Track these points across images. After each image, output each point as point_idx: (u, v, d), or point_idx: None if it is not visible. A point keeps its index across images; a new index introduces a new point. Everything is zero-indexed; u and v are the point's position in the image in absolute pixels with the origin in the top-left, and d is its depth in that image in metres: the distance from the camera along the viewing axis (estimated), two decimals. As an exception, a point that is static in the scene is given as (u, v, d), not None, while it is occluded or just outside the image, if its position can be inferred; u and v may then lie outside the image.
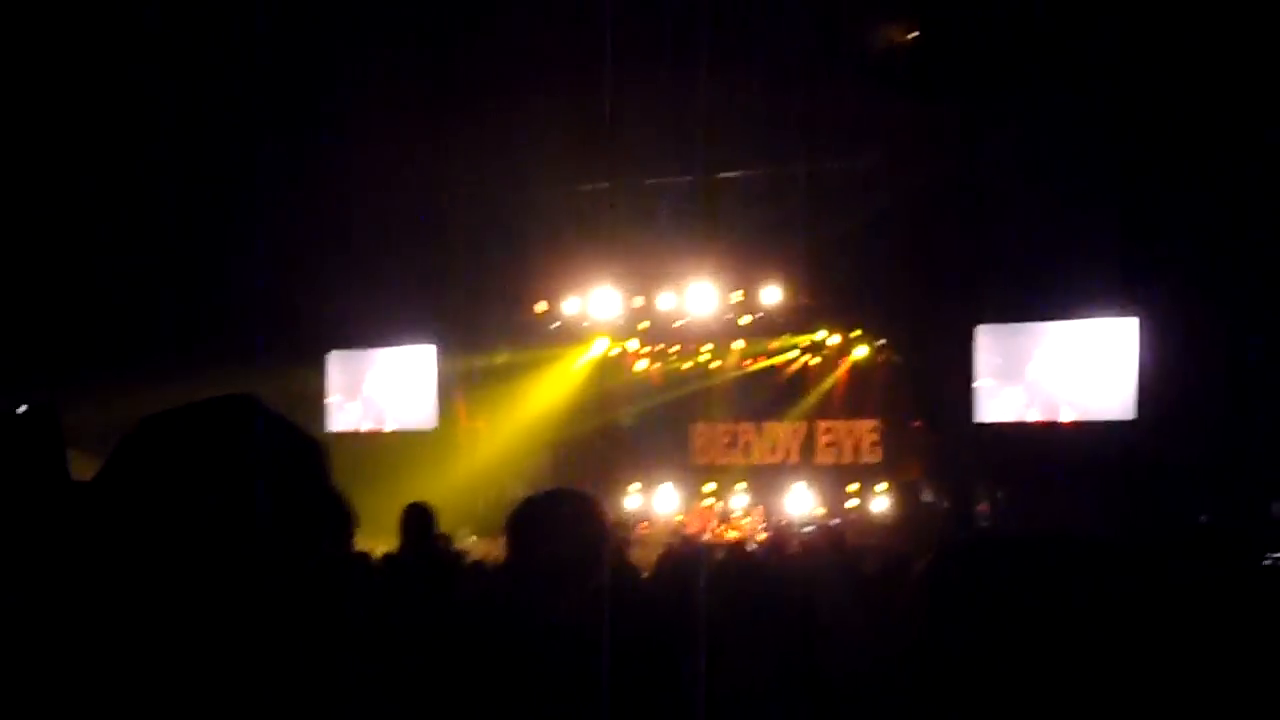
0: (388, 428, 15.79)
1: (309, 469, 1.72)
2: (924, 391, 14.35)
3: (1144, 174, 11.96)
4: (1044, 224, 12.40)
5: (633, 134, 11.30)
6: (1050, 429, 13.98)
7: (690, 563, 6.92)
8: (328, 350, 15.83)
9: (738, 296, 14.57)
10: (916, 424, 14.51)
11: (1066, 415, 14.02)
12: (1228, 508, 11.35)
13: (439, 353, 15.46)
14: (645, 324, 15.09)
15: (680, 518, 14.81)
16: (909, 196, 12.75)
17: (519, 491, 14.46)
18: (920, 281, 13.26)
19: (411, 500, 5.93)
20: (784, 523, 13.82)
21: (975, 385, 14.26)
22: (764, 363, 15.34)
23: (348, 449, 14.67)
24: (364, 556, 5.43)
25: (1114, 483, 11.66)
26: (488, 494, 13.24)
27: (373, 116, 12.31)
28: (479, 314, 14.86)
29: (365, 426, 15.84)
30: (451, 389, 15.55)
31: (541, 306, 14.97)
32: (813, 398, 15.26)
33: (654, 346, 15.41)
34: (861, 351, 14.96)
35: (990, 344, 14.35)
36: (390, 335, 15.41)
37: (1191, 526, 9.69)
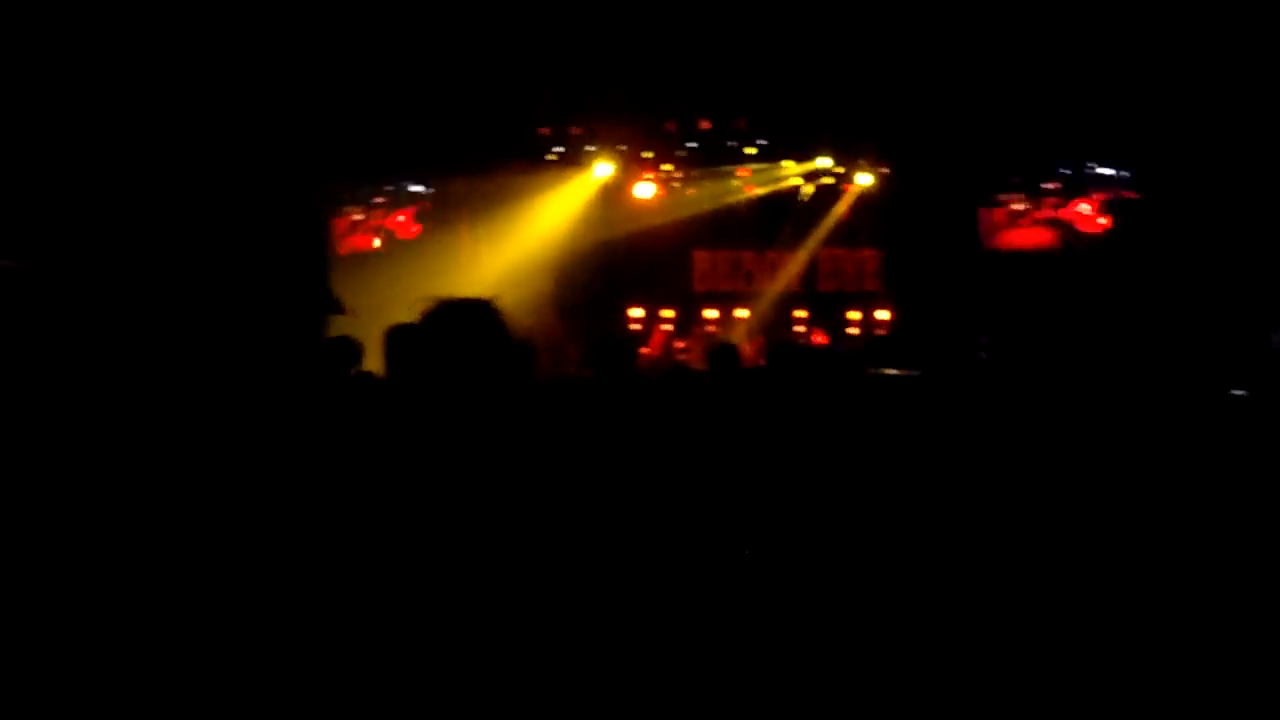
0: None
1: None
2: (929, 218, 14.40)
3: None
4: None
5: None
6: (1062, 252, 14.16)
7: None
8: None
9: (741, 123, 14.49)
10: (919, 252, 14.59)
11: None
12: (1226, 336, 11.47)
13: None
14: (649, 153, 15.04)
15: (681, 344, 14.99)
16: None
17: (521, 314, 14.62)
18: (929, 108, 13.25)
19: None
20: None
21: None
22: (767, 189, 15.30)
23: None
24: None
25: (1104, 311, 11.83)
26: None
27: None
28: (482, 136, 14.79)
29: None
30: (455, 208, 15.60)
31: (544, 129, 14.90)
32: (815, 226, 15.27)
33: (656, 171, 15.32)
34: (866, 179, 14.92)
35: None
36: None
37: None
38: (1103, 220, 14.50)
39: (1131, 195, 14.27)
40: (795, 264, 15.35)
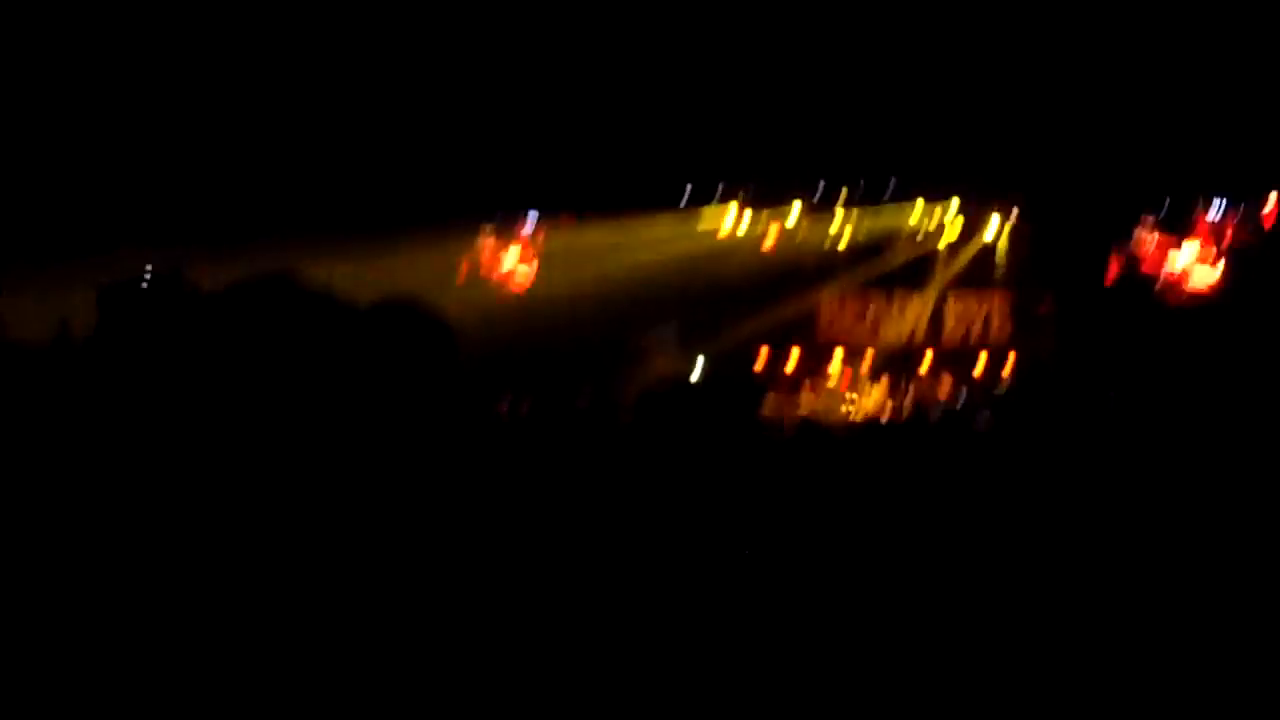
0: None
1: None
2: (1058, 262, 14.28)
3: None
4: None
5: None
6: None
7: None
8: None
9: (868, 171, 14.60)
10: (1047, 297, 14.46)
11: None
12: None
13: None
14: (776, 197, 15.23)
15: (808, 390, 15.04)
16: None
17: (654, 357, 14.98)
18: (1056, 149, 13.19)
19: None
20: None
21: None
22: (891, 234, 15.29)
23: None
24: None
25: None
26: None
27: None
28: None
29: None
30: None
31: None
32: (943, 269, 15.22)
33: (784, 217, 15.44)
34: (995, 220, 14.83)
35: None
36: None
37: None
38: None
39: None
40: (923, 309, 15.34)
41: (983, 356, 14.80)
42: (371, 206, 14.43)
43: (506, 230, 16.27)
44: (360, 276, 13.66)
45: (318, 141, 13.68)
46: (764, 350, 15.45)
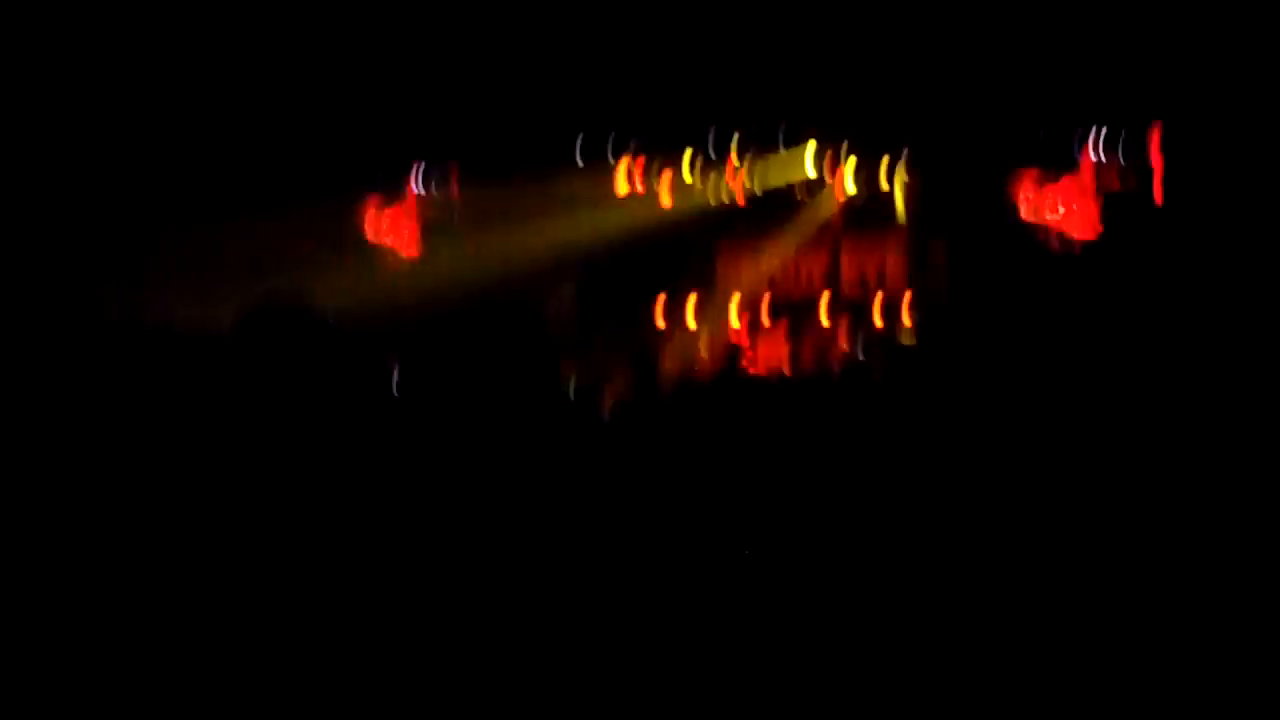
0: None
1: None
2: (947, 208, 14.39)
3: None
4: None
5: None
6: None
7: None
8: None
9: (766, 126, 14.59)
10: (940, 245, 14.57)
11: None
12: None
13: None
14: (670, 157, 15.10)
15: (705, 351, 15.05)
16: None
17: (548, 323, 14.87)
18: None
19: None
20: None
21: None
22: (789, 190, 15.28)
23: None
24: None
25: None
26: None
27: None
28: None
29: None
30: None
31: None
32: (840, 225, 15.25)
33: (680, 177, 15.37)
34: (886, 167, 14.87)
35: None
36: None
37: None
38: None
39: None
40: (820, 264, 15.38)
41: (879, 304, 14.88)
42: (240, 177, 14.07)
43: (390, 191, 15.92)
44: (236, 256, 13.47)
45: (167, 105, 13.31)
46: (661, 303, 15.40)
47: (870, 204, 14.97)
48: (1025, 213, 14.68)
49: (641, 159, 15.25)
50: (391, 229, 15.90)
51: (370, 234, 15.82)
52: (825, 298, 15.08)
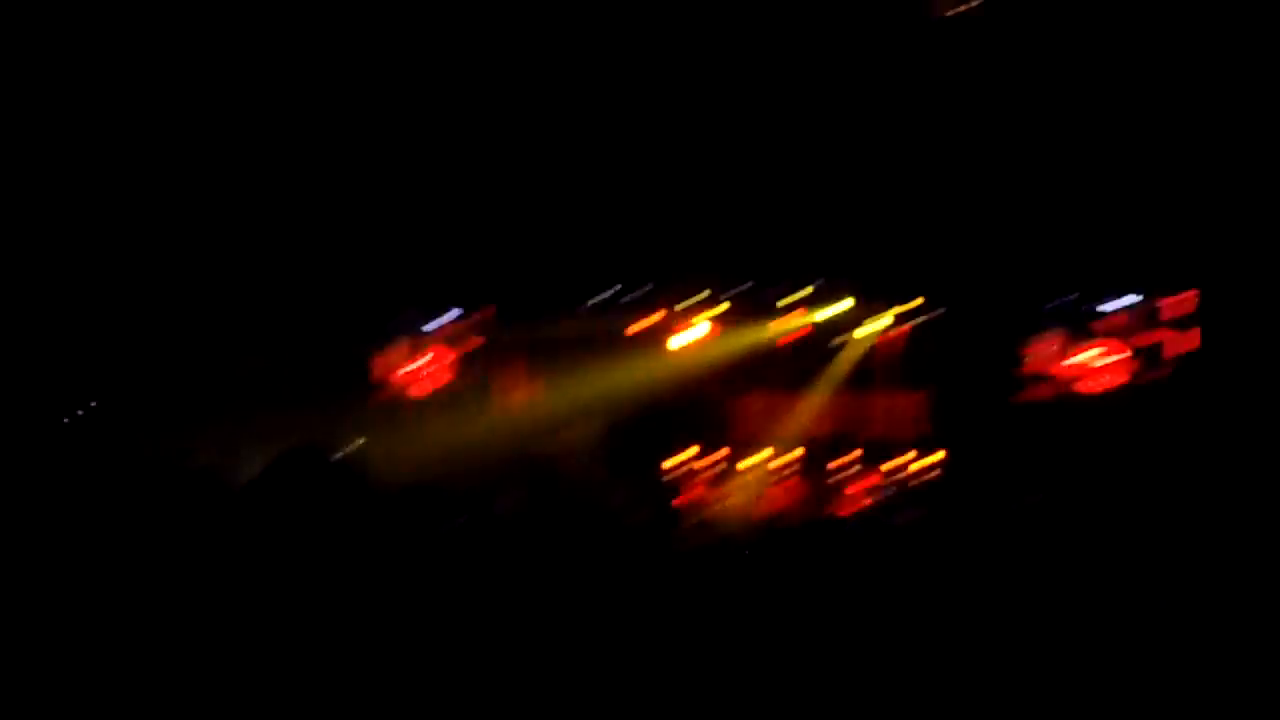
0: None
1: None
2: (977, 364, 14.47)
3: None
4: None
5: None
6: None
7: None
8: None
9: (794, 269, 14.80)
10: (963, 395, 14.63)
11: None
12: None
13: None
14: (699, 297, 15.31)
15: (728, 490, 15.06)
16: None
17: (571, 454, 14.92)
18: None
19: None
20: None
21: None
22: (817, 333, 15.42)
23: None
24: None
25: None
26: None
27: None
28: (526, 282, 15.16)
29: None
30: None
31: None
32: (868, 369, 15.35)
33: (707, 317, 15.55)
34: (906, 317, 15.04)
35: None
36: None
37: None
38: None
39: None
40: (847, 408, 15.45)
41: (899, 453, 14.92)
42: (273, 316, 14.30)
43: (422, 331, 16.13)
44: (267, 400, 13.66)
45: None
46: (680, 447, 15.49)
47: (902, 353, 15.09)
48: (1053, 367, 14.78)
49: (673, 303, 15.46)
50: (425, 372, 16.10)
51: (399, 377, 16.00)
52: (855, 444, 15.15)
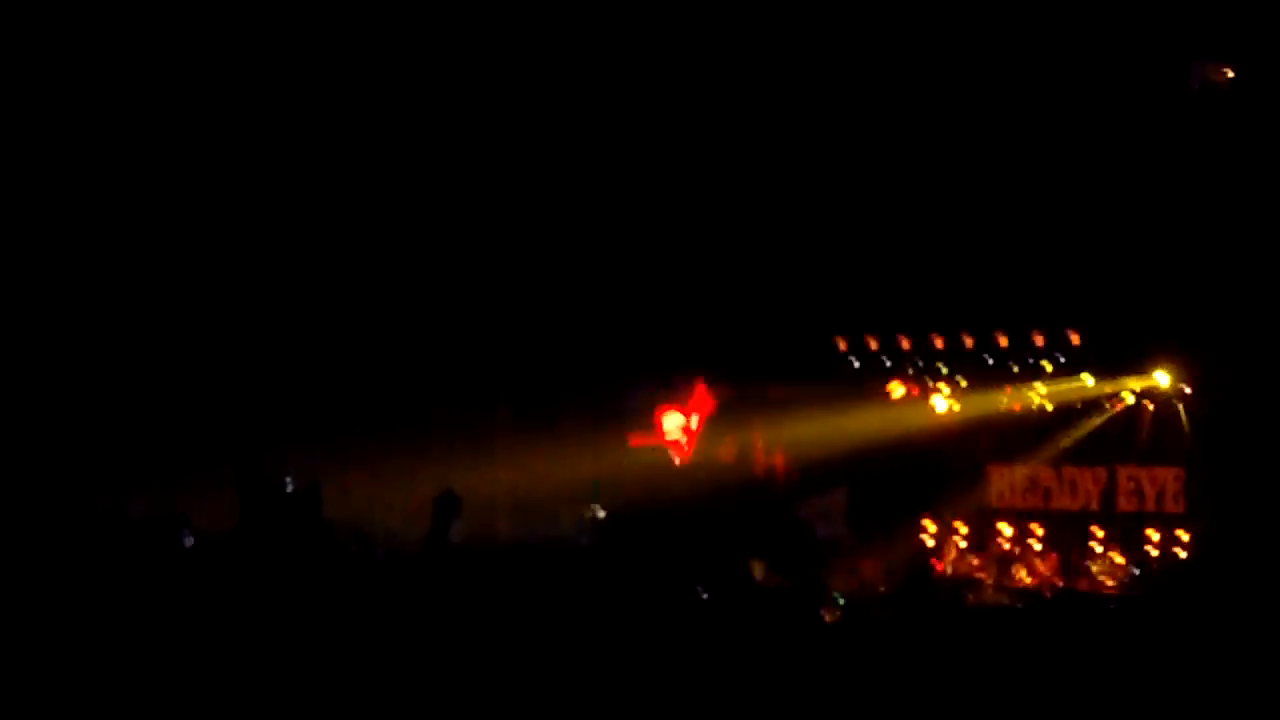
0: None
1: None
2: (1230, 438, 13.96)
3: None
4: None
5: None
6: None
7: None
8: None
9: (1039, 339, 14.61)
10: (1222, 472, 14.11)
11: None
12: None
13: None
14: (945, 367, 15.28)
15: (975, 560, 14.93)
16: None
17: (816, 525, 15.06)
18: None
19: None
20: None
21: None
22: (1062, 405, 15.16)
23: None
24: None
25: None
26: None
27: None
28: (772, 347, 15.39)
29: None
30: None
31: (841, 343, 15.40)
32: (1114, 443, 14.99)
33: (953, 387, 15.49)
34: (1163, 396, 14.62)
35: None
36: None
37: None
38: None
39: None
40: (1093, 482, 15.14)
41: (1155, 534, 14.50)
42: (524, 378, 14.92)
43: (670, 396, 16.51)
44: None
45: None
46: (925, 514, 15.45)
47: (1148, 423, 14.70)
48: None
49: (917, 375, 15.49)
50: (668, 431, 16.48)
51: (648, 436, 16.41)
52: (1097, 515, 14.86)
